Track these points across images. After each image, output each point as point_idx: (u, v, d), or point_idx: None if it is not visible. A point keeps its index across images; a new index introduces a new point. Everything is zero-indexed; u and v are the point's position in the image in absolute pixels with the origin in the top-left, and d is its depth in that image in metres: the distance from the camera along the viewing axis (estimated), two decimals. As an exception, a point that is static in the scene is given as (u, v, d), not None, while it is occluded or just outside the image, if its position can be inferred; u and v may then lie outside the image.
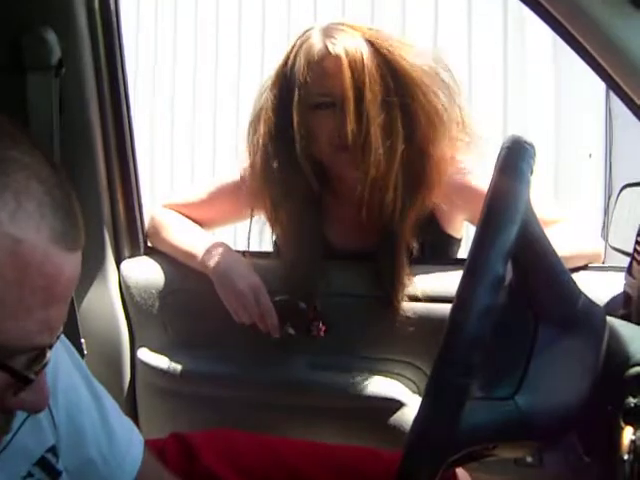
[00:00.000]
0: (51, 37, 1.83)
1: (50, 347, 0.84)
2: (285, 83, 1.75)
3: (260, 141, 1.79)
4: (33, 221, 0.76)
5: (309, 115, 1.73)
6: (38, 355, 0.83)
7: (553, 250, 1.11)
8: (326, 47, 1.70)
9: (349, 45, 1.69)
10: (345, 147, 1.70)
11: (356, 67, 1.67)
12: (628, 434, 1.01)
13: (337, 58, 1.68)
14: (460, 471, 1.51)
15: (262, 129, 1.79)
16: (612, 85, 1.38)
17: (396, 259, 1.78)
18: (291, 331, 1.83)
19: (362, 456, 1.55)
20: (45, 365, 0.85)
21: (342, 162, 1.76)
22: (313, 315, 1.81)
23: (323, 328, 1.81)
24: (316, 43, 1.72)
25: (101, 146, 1.96)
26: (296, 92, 1.71)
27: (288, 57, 1.75)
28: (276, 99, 1.77)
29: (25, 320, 0.78)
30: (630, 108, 1.39)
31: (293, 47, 1.75)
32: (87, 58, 1.92)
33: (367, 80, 1.67)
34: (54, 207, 0.78)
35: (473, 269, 0.99)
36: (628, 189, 1.74)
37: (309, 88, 1.71)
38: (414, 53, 1.74)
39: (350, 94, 1.66)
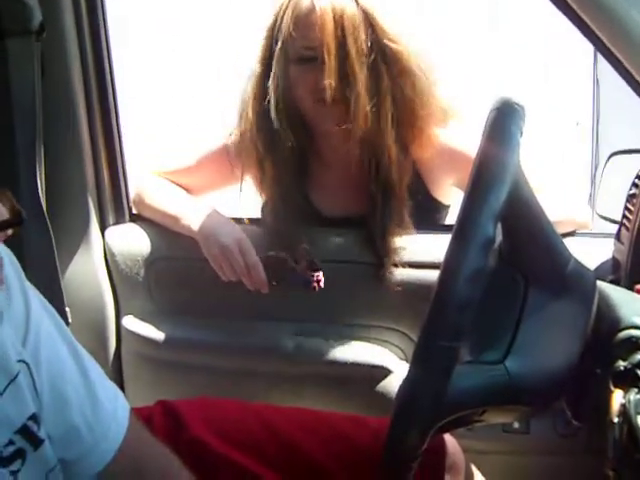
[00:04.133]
0: (31, 0, 1.79)
1: None
2: (272, 39, 1.75)
3: (246, 98, 1.80)
4: None
5: (292, 68, 1.73)
6: None
7: (543, 212, 1.10)
8: (313, 2, 1.70)
9: (336, 1, 1.69)
10: (324, 100, 1.70)
11: (341, 22, 1.67)
12: (618, 397, 1.00)
13: (323, 12, 1.68)
14: (448, 438, 1.51)
15: (248, 86, 1.80)
16: (601, 49, 1.37)
17: (388, 224, 1.77)
18: (287, 279, 1.77)
19: (349, 423, 1.54)
20: None
21: (322, 116, 1.76)
22: (310, 266, 1.76)
23: (321, 280, 1.75)
24: None
25: (84, 111, 1.93)
26: (280, 45, 1.72)
27: (277, 15, 1.75)
28: (262, 55, 1.78)
29: None
30: (618, 71, 1.38)
31: (282, 5, 1.75)
32: (69, 21, 1.89)
33: (352, 36, 1.67)
34: None
35: (462, 230, 0.97)
36: (616, 157, 1.73)
37: (294, 41, 1.72)
38: (398, 20, 1.75)
39: (332, 47, 1.67)
